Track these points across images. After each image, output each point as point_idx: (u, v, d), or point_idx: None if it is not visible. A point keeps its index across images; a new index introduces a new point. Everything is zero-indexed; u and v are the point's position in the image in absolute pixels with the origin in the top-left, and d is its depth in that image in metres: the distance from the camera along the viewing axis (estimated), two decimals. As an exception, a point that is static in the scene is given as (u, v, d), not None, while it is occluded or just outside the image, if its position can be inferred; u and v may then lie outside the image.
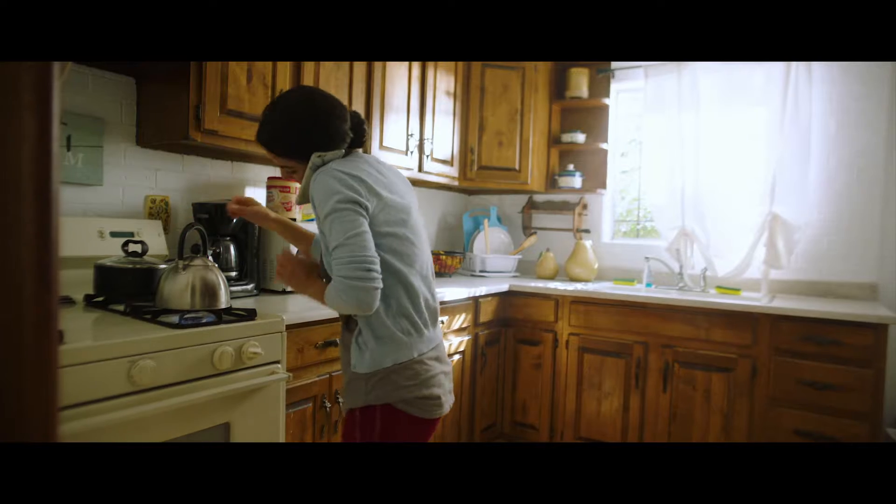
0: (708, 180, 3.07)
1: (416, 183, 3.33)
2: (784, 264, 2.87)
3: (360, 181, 1.28)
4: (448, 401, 1.39)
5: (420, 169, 2.91)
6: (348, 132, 1.39)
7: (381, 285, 1.24)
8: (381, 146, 2.63)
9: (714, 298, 2.66)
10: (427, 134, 2.93)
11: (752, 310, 2.47)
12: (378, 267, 1.24)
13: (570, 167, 3.51)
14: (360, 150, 1.45)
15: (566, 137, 3.49)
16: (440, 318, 1.44)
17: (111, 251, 1.77)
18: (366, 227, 1.25)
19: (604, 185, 3.51)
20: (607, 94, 3.47)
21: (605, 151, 3.50)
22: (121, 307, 1.54)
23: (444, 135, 3.08)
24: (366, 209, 1.27)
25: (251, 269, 2.12)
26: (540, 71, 3.34)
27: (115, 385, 1.20)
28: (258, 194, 2.48)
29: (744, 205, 3.01)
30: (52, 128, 0.52)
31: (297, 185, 2.32)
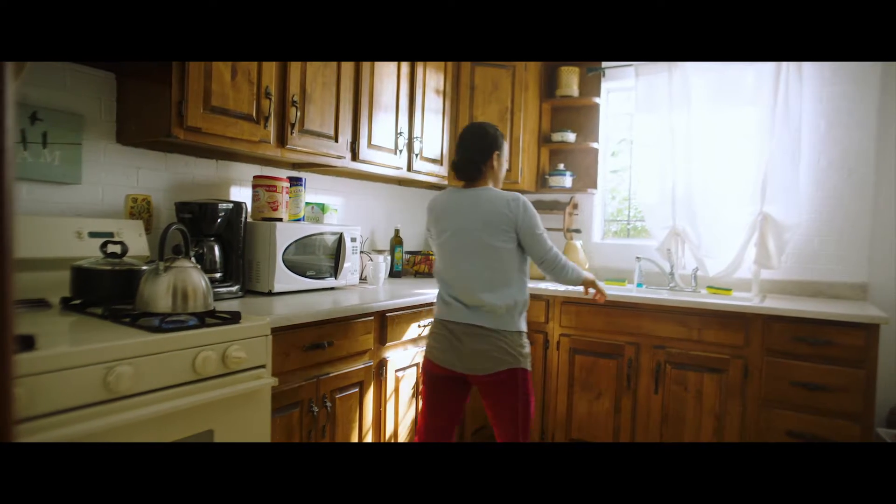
0: (699, 180, 3.06)
1: (405, 182, 3.29)
2: (775, 264, 2.86)
3: (430, 210, 2.03)
4: (443, 357, 1.92)
5: (409, 168, 2.87)
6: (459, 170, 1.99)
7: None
8: (370, 145, 2.58)
9: (706, 299, 2.64)
10: (416, 132, 2.89)
11: (744, 310, 2.45)
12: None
13: (561, 166, 3.48)
14: (473, 184, 1.99)
15: (556, 136, 3.46)
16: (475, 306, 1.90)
17: (90, 252, 1.71)
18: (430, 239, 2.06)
19: (594, 185, 3.49)
20: (598, 93, 3.45)
21: (596, 151, 3.48)
22: (99, 310, 1.49)
23: (433, 133, 3.04)
24: (429, 228, 2.05)
25: (236, 270, 2.06)
26: (530, 69, 3.31)
27: (90, 392, 1.15)
28: (244, 193, 2.42)
29: (734, 204, 3.01)
30: (5, 123, 0.47)
31: (286, 185, 2.29)
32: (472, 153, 1.95)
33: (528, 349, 1.93)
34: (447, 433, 2.02)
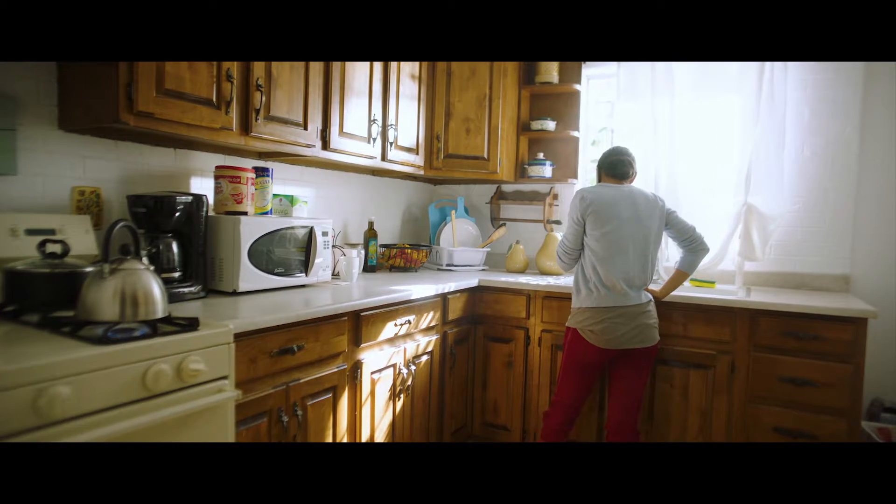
0: (682, 170, 2.98)
1: (379, 173, 3.14)
2: (759, 256, 2.81)
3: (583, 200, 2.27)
4: (604, 338, 2.21)
5: (384, 157, 2.72)
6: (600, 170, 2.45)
7: (566, 262, 2.39)
8: (342, 132, 2.42)
9: (691, 292, 2.56)
10: (391, 120, 2.74)
11: (730, 304, 2.38)
12: (567, 253, 2.35)
13: (541, 156, 3.37)
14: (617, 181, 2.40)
15: (536, 125, 3.35)
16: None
17: (27, 252, 1.53)
18: (574, 230, 2.32)
19: (575, 175, 3.39)
20: (578, 80, 3.34)
21: (577, 139, 3.38)
22: (35, 318, 1.32)
23: (408, 121, 2.89)
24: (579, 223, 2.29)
25: (197, 269, 1.90)
26: (509, 54, 3.18)
27: (15, 419, 0.99)
28: (206, 185, 2.25)
29: (719, 195, 2.94)
30: None
31: (251, 175, 2.12)
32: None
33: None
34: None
